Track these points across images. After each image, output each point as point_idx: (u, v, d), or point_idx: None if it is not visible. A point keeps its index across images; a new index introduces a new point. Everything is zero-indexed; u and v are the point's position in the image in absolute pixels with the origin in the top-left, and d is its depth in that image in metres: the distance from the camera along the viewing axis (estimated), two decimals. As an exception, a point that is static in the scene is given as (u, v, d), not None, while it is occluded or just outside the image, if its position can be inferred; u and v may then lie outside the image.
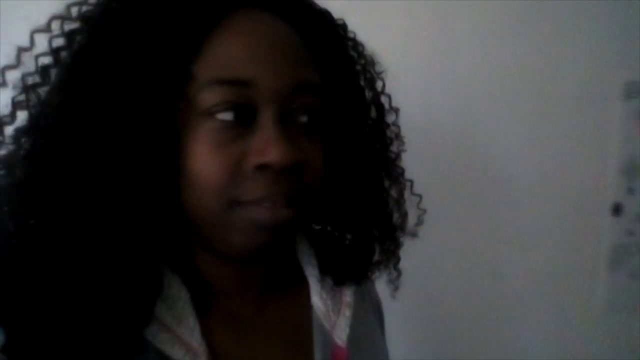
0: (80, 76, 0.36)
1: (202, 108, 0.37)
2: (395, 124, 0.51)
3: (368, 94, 0.49)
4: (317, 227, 0.50)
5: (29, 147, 0.37)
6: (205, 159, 0.36)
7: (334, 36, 0.47)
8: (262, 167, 0.36)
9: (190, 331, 0.39)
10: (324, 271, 0.49)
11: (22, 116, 0.38)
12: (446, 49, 0.90)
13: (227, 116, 0.37)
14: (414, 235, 0.53)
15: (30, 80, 0.38)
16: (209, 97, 0.36)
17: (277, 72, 0.37)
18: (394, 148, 0.51)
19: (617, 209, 1.04)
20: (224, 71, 0.37)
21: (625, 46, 1.02)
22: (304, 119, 0.40)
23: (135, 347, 0.36)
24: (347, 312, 0.48)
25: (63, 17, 0.39)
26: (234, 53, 0.37)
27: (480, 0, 0.89)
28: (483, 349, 0.98)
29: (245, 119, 0.37)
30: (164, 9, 0.37)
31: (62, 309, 0.34)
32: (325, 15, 0.47)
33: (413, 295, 0.92)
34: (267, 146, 0.36)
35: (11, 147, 0.37)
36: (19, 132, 0.38)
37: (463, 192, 0.94)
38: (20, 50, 0.39)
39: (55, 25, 0.39)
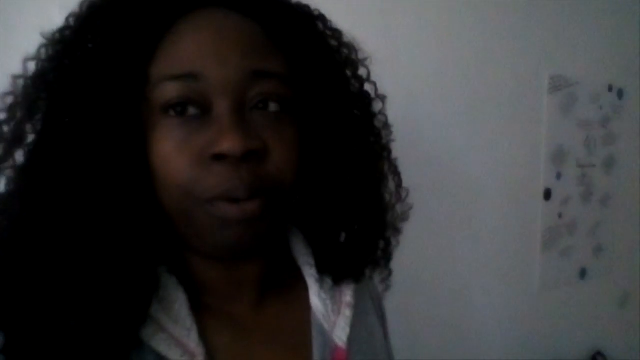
0: (52, 86, 0.37)
1: (158, 106, 0.37)
2: (382, 112, 0.50)
3: (353, 84, 0.48)
4: (312, 226, 0.48)
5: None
6: (166, 157, 0.37)
7: (305, 26, 0.45)
8: (219, 158, 0.36)
9: (187, 332, 0.38)
10: (321, 270, 0.47)
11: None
12: (385, 50, 0.90)
13: (182, 112, 0.37)
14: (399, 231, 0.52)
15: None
16: (161, 94, 0.37)
17: (225, 62, 0.37)
18: (382, 138, 0.49)
19: (548, 194, 1.13)
20: (173, 67, 0.37)
21: (549, 42, 1.11)
22: (273, 107, 0.39)
23: (131, 347, 0.36)
24: (347, 312, 0.47)
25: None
26: (182, 49, 0.38)
27: (415, 1, 0.92)
28: (440, 325, 1.02)
29: (201, 113, 0.37)
30: (121, 15, 0.38)
31: (58, 310, 0.34)
32: (293, 7, 0.45)
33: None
34: (220, 135, 0.36)
35: None
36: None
37: (421, 186, 0.95)
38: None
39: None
